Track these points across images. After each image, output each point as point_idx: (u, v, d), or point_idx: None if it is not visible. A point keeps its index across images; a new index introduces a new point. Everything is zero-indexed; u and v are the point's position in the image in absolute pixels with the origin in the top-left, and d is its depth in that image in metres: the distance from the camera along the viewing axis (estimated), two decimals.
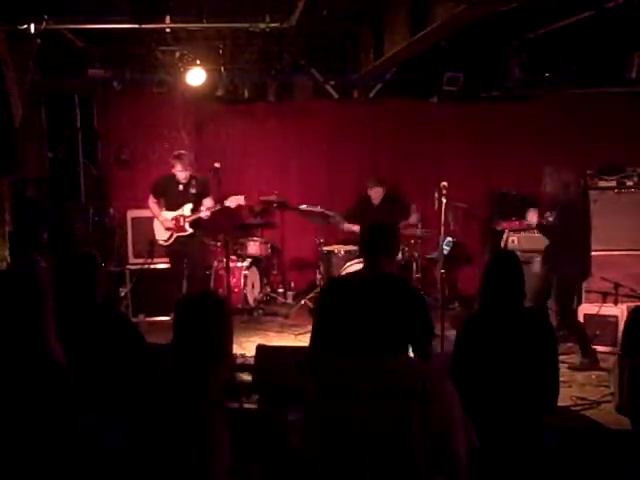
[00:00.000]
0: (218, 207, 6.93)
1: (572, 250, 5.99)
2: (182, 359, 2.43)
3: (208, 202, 6.98)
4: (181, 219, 6.90)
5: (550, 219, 6.00)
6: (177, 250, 6.96)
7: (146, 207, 7.90)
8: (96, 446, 2.67)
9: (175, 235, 6.92)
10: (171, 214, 6.93)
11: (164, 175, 7.06)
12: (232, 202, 6.97)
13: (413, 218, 7.62)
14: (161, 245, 7.08)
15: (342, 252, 7.41)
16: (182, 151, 7.05)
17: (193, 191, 6.93)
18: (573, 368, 5.88)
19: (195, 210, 6.92)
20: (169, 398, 2.37)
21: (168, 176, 6.97)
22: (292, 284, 8.65)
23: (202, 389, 2.38)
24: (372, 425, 2.24)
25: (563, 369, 5.35)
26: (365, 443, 2.23)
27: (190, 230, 6.93)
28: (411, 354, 3.36)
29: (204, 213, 6.90)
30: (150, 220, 7.62)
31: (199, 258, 7.18)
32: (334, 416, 2.29)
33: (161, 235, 7.00)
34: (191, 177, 6.92)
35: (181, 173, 6.84)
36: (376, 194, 7.69)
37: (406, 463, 2.22)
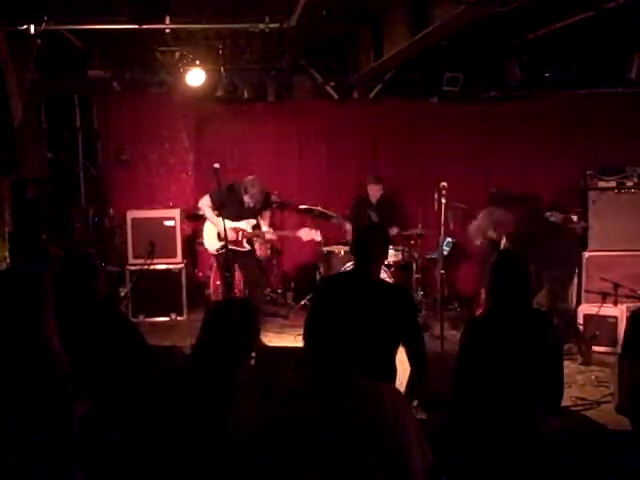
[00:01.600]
0: (290, 235, 6.73)
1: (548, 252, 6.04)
2: (210, 356, 2.45)
3: (267, 215, 6.71)
4: (239, 233, 6.50)
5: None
6: (228, 258, 6.29)
7: (146, 208, 7.92)
8: (95, 444, 2.67)
9: (229, 247, 6.30)
10: (229, 224, 6.22)
11: (229, 186, 6.53)
12: (306, 236, 6.57)
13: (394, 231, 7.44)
14: (211, 253, 6.76)
15: (342, 252, 7.40)
16: (252, 177, 6.46)
17: (259, 206, 6.63)
18: (583, 364, 6.00)
19: (256, 227, 6.60)
20: (198, 388, 2.39)
21: (233, 188, 6.50)
22: (292, 285, 8.65)
23: (231, 376, 2.44)
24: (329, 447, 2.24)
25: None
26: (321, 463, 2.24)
27: (247, 247, 6.60)
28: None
29: (270, 236, 6.68)
30: (150, 221, 7.63)
31: (258, 271, 6.85)
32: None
33: (212, 242, 6.63)
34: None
35: (251, 202, 6.47)
36: (373, 191, 7.72)
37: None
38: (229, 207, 6.44)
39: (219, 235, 6.49)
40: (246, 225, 6.59)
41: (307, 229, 6.67)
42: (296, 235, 6.65)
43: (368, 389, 2.34)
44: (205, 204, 6.60)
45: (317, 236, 6.61)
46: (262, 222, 6.78)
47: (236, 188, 6.50)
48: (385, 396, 2.31)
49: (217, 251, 6.59)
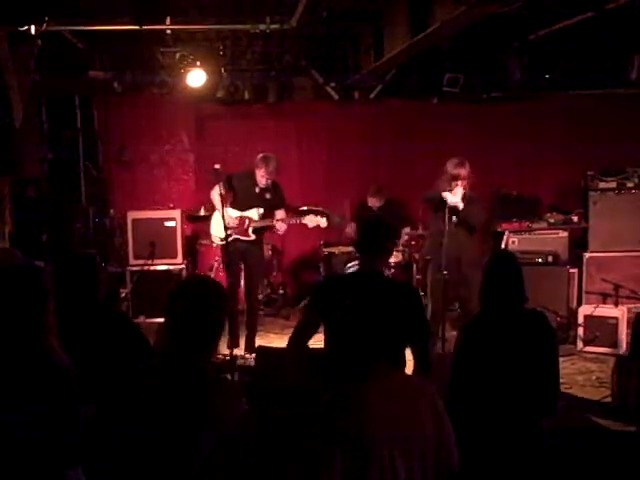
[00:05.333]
0: (294, 222, 6.51)
1: None
2: (180, 342, 2.42)
3: (281, 214, 6.49)
4: (246, 221, 6.37)
5: None
6: (234, 251, 6.19)
7: (147, 208, 7.91)
8: (97, 444, 2.67)
9: (234, 236, 6.29)
10: (236, 213, 6.32)
11: (243, 171, 6.53)
12: (311, 222, 6.49)
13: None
14: (216, 243, 6.61)
15: (343, 253, 7.42)
16: (269, 154, 6.40)
17: (268, 197, 6.43)
18: None
19: (265, 217, 6.45)
20: (173, 383, 2.37)
21: (247, 173, 6.42)
22: (292, 285, 8.64)
23: (202, 369, 2.40)
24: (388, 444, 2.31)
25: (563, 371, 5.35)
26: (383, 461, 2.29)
27: (252, 236, 6.41)
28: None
29: (281, 226, 6.42)
30: (151, 222, 7.62)
31: (258, 269, 6.73)
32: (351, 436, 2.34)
33: (218, 231, 6.33)
34: (271, 183, 6.42)
35: (263, 178, 6.30)
36: (373, 202, 7.75)
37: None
38: (239, 194, 6.38)
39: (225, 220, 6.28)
40: (254, 214, 6.42)
41: (312, 215, 6.58)
42: (302, 222, 6.53)
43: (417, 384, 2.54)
44: (216, 192, 6.27)
45: (323, 222, 6.49)
46: (277, 214, 6.54)
47: (250, 176, 6.37)
48: (432, 389, 2.42)
49: (222, 239, 6.30)
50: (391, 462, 2.29)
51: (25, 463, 2.36)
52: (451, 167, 5.95)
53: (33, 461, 2.37)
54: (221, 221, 6.17)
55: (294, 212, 7.50)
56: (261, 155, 6.37)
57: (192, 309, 2.43)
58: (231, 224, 6.24)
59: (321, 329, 3.49)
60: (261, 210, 6.42)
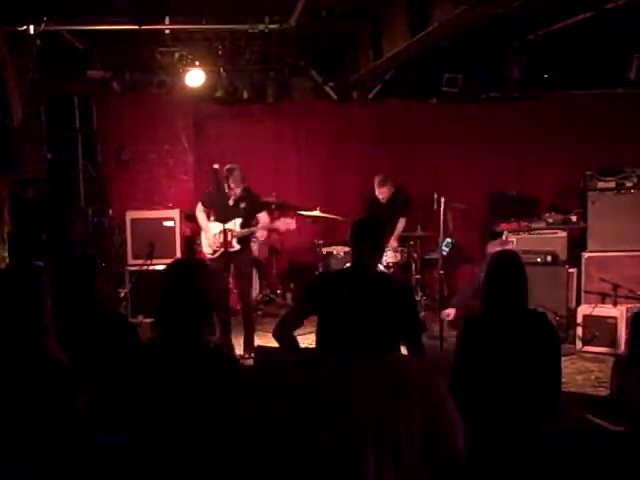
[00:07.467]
0: (270, 227, 6.74)
1: None
2: (176, 322, 2.51)
3: (264, 217, 6.65)
4: (229, 234, 6.41)
5: None
6: (220, 259, 6.39)
7: (145, 208, 7.92)
8: (97, 442, 2.68)
9: (221, 251, 6.42)
10: (219, 226, 6.40)
11: (214, 187, 6.55)
12: (282, 225, 6.71)
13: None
14: (209, 258, 6.66)
15: (341, 253, 7.41)
16: (233, 165, 6.47)
17: (243, 206, 6.53)
18: None
19: (245, 225, 6.56)
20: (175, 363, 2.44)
21: (218, 188, 6.48)
22: (291, 285, 8.64)
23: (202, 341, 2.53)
24: (373, 421, 2.29)
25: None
26: (366, 440, 2.28)
27: (237, 246, 6.51)
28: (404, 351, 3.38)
29: (260, 233, 6.68)
30: (150, 222, 7.63)
31: (246, 270, 6.80)
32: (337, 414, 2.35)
33: (208, 248, 6.66)
34: (242, 192, 6.48)
35: (231, 191, 6.39)
36: (381, 194, 7.63)
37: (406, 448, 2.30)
38: (218, 207, 6.56)
39: (209, 239, 6.59)
40: (235, 225, 6.50)
41: (282, 219, 6.79)
42: (274, 227, 6.76)
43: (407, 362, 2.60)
44: (199, 210, 6.72)
45: (292, 225, 6.71)
46: (260, 219, 6.68)
47: (221, 190, 6.46)
48: (425, 369, 2.47)
49: (212, 255, 6.60)
50: (376, 447, 2.29)
51: (25, 463, 2.36)
52: None
53: (33, 461, 2.37)
54: (208, 239, 6.61)
55: (295, 214, 7.53)
56: (226, 167, 6.44)
57: (177, 285, 2.55)
58: (214, 246, 6.52)
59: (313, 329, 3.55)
60: (240, 220, 6.53)
